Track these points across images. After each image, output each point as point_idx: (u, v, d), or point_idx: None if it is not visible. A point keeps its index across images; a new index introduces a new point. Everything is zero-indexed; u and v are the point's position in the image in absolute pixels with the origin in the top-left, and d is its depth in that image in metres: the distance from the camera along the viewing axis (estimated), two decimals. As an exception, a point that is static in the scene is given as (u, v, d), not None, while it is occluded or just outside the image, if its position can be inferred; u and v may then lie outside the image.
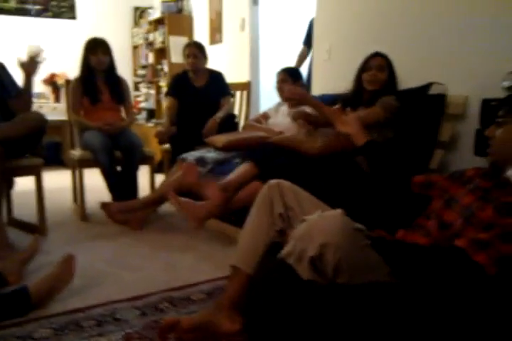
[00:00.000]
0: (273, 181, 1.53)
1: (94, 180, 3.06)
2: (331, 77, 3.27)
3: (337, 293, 1.14)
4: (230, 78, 3.46)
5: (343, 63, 3.14)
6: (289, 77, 2.84)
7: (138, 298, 1.70)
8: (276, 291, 1.26)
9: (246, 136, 2.69)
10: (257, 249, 1.46)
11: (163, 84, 5.31)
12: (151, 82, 5.78)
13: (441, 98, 2.40)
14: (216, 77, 3.31)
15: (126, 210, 2.66)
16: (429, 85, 2.45)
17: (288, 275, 1.21)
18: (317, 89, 3.30)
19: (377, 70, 2.29)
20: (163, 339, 1.38)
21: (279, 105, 2.97)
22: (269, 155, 2.20)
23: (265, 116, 2.97)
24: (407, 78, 2.50)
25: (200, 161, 2.60)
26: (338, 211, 1.15)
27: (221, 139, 2.67)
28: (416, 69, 2.63)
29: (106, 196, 2.90)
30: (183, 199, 1.99)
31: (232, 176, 2.10)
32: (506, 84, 2.09)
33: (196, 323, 1.39)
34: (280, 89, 2.85)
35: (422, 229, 1.39)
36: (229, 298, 1.45)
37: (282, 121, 2.80)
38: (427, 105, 2.41)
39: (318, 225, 1.12)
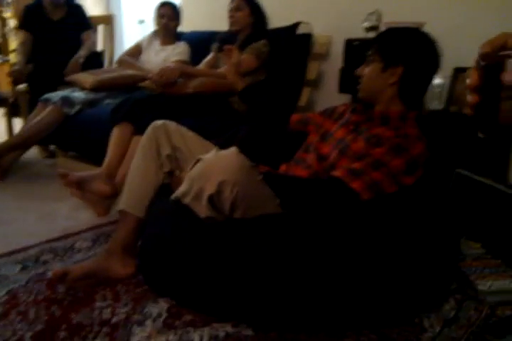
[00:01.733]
0: (158, 122, 1.50)
1: None
2: (200, 14, 3.17)
3: (234, 227, 1.20)
4: (88, 10, 3.14)
5: (211, -1, 3.05)
6: (175, 14, 2.70)
7: (16, 252, 1.59)
8: (172, 230, 1.28)
9: (116, 75, 2.54)
10: (147, 191, 1.44)
11: (9, 14, 4.63)
12: (-9, 13, 4.98)
13: (308, 37, 2.49)
14: (75, 9, 2.97)
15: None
16: (296, 25, 2.51)
17: (183, 214, 1.23)
18: (187, 26, 3.18)
19: (234, 10, 2.32)
20: (52, 290, 1.33)
21: (152, 38, 2.79)
22: (138, 107, 2.05)
23: (138, 49, 2.80)
24: (275, 17, 2.52)
25: (67, 102, 2.39)
26: (234, 149, 1.17)
27: (89, 79, 2.47)
28: (283, 8, 2.67)
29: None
30: (84, 194, 1.78)
31: (109, 155, 1.93)
32: (367, 24, 2.24)
33: (86, 271, 1.36)
34: (163, 26, 2.69)
35: (303, 162, 1.50)
36: (120, 242, 1.43)
37: (154, 59, 2.67)
38: (294, 45, 2.48)
39: (216, 164, 1.14)
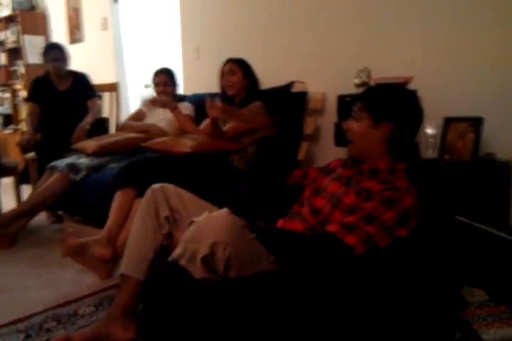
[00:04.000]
0: (156, 185, 1.54)
1: None
2: (201, 76, 3.32)
3: (229, 287, 1.20)
4: (94, 79, 3.32)
5: (212, 62, 3.20)
6: (170, 79, 2.83)
7: (20, 321, 1.59)
8: (170, 293, 1.28)
9: (117, 139, 2.62)
10: (146, 254, 1.46)
11: (20, 86, 4.90)
12: (5, 85, 5.27)
13: (303, 95, 2.59)
14: (80, 78, 3.15)
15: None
16: (291, 84, 2.63)
17: (180, 276, 1.24)
18: (188, 89, 3.33)
19: (229, 75, 2.44)
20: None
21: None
22: (140, 171, 2.13)
23: (141, 114, 2.92)
24: (271, 77, 2.65)
25: (72, 168, 2.48)
26: (225, 210, 1.21)
27: (91, 145, 2.57)
28: (279, 68, 2.80)
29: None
30: (85, 259, 1.83)
31: (110, 219, 1.99)
32: (357, 81, 2.33)
33: (88, 337, 1.36)
34: (161, 92, 2.80)
35: (298, 216, 1.51)
36: (120, 306, 1.43)
37: (157, 121, 2.78)
38: (290, 102, 2.59)
39: (207, 225, 1.17)
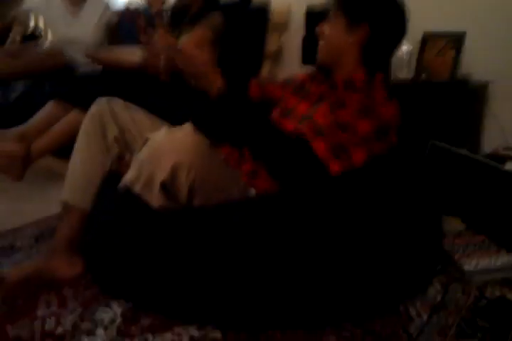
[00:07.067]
0: (102, 99, 1.31)
1: None
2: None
3: (192, 217, 1.05)
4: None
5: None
6: None
7: None
8: (122, 224, 1.12)
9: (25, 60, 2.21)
10: (92, 180, 1.26)
11: None
12: None
13: (265, 7, 2.38)
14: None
15: None
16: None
17: (134, 204, 1.07)
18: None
19: None
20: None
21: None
22: (80, 85, 1.90)
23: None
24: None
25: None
26: (188, 126, 1.01)
27: None
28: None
29: None
30: None
31: (30, 122, 1.79)
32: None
33: (27, 274, 1.20)
34: None
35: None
36: (64, 238, 1.26)
37: (68, 32, 2.28)
38: (251, 16, 2.37)
39: (167, 144, 0.99)
